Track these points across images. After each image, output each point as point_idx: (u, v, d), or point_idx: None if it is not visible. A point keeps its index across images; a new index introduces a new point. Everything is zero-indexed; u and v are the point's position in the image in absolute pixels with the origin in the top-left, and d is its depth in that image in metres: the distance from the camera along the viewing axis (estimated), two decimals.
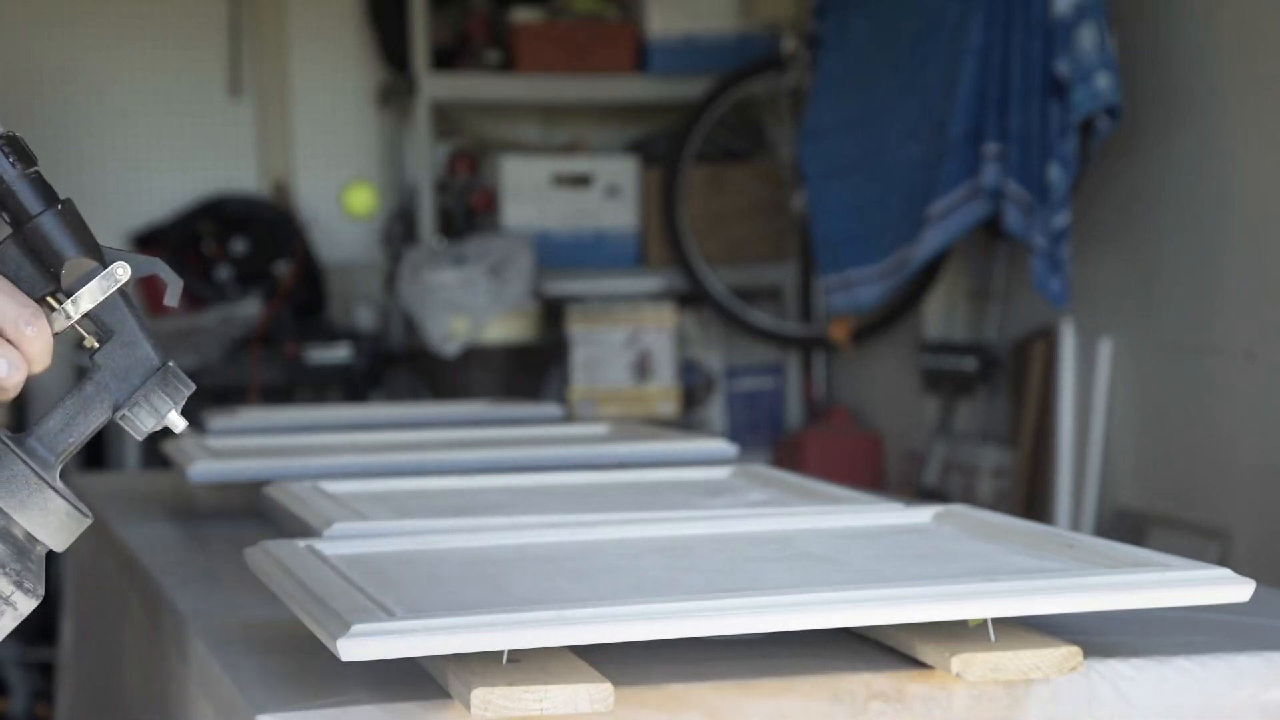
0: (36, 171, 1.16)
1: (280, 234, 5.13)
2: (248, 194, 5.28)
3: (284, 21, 5.34)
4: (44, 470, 1.15)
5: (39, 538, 1.14)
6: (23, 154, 1.15)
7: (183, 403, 1.19)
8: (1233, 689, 1.38)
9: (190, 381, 1.20)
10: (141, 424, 1.18)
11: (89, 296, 1.16)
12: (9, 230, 1.16)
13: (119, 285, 1.17)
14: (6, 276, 1.15)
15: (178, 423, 1.19)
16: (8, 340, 1.13)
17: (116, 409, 1.17)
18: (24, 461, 1.14)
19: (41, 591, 1.15)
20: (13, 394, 1.15)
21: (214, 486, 2.33)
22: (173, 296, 1.20)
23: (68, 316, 1.16)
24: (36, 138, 1.41)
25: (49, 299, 1.16)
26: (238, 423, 2.81)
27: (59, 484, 1.16)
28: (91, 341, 1.18)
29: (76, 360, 4.79)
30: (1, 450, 1.14)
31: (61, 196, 1.17)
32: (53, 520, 1.15)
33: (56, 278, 1.16)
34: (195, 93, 5.31)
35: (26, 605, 1.15)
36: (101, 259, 1.17)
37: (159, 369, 1.18)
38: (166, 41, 5.28)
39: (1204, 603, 1.37)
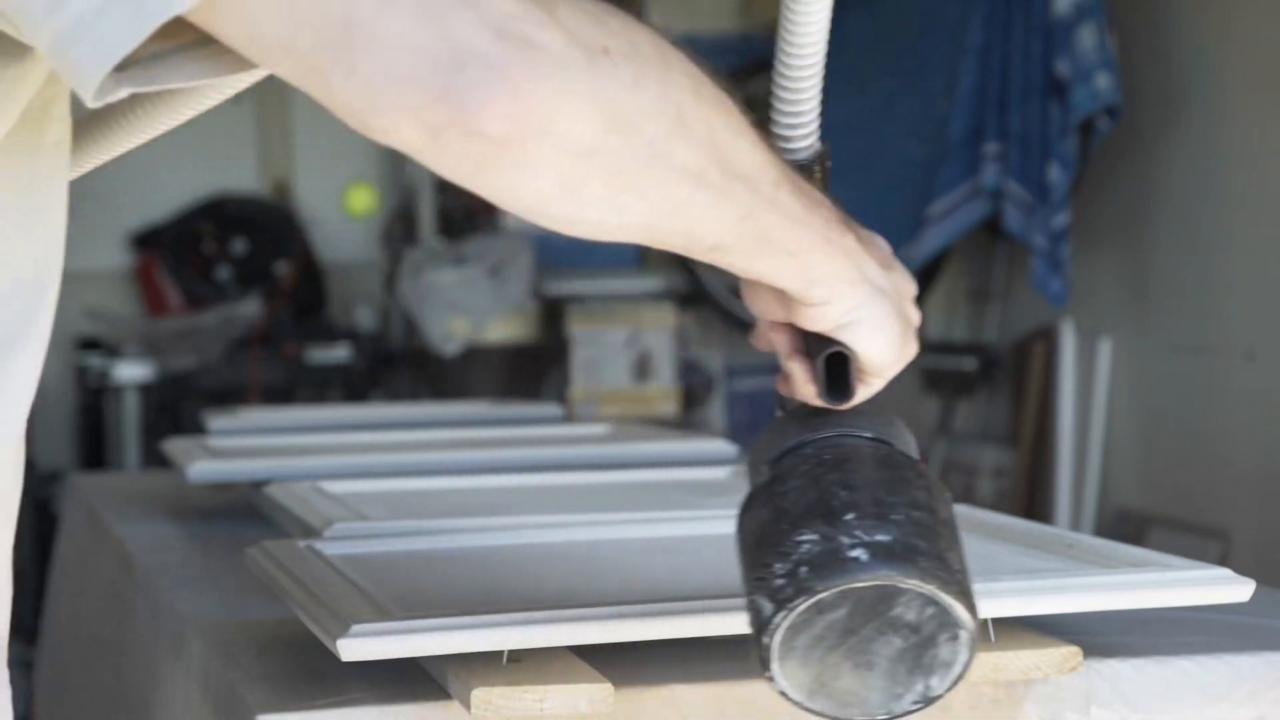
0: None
1: (280, 234, 5.13)
2: (248, 194, 5.28)
3: None
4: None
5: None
6: None
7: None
8: (1233, 689, 1.38)
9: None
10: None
11: None
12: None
13: None
14: None
15: None
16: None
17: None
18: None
19: None
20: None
21: (214, 486, 2.33)
22: None
23: None
24: None
25: None
26: (238, 423, 2.81)
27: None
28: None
29: (76, 360, 4.80)
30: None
31: None
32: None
33: None
34: None
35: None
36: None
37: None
38: None
39: (1204, 603, 1.37)
